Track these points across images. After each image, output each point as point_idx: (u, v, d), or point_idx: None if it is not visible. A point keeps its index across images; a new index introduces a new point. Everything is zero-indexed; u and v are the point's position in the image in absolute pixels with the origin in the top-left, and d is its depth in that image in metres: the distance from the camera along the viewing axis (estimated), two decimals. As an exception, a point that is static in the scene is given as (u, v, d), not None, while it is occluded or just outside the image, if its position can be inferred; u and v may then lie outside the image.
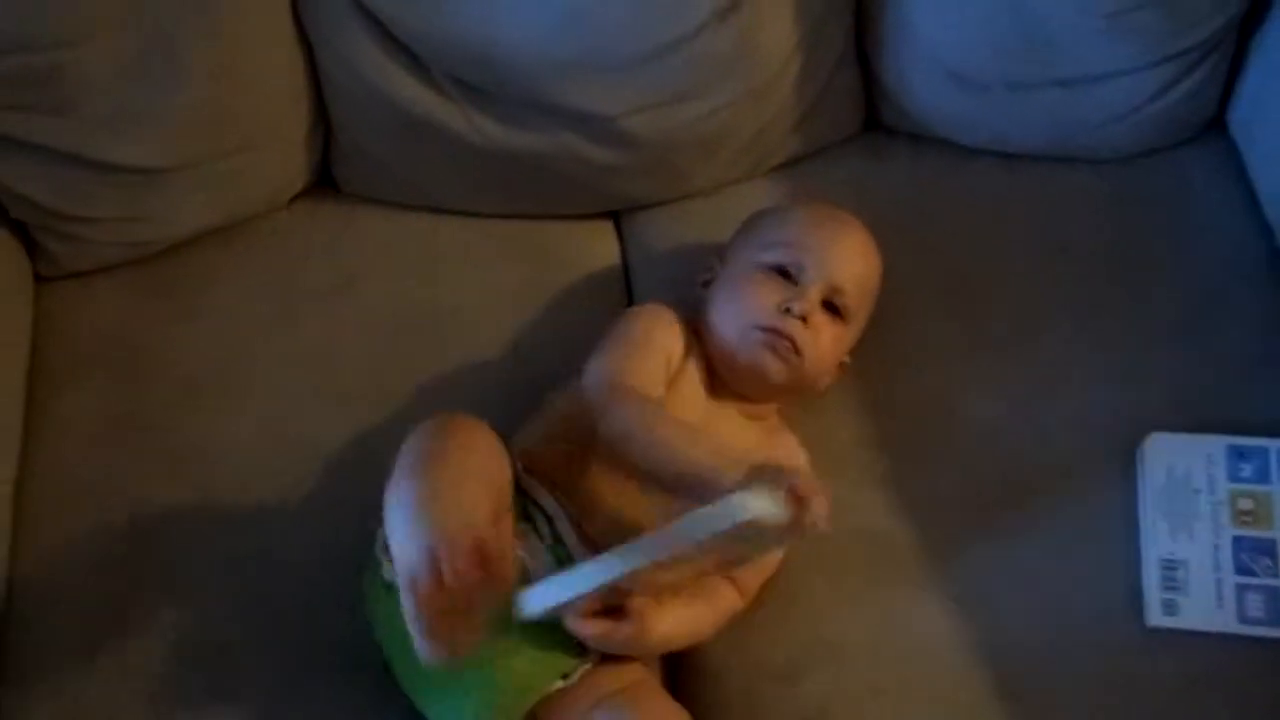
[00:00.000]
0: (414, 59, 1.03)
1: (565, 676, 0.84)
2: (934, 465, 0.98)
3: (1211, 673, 0.89)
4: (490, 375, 1.03)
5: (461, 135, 1.06)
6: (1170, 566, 0.91)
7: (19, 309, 1.04)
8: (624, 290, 1.10)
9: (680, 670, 0.92)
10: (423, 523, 0.71)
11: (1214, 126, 1.12)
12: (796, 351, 0.93)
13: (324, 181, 1.13)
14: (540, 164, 1.07)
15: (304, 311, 1.06)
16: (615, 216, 1.14)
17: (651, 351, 0.93)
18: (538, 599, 0.77)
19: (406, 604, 0.70)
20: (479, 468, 0.78)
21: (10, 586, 0.93)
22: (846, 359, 1.00)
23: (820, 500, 0.76)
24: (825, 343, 0.94)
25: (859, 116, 1.15)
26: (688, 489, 0.81)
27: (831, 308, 0.95)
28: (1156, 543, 0.92)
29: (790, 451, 0.96)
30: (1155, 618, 0.90)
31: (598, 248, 1.12)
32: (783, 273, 0.95)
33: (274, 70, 1.03)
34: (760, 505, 0.73)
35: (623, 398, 0.88)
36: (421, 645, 0.70)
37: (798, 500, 0.75)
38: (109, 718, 0.89)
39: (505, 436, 0.94)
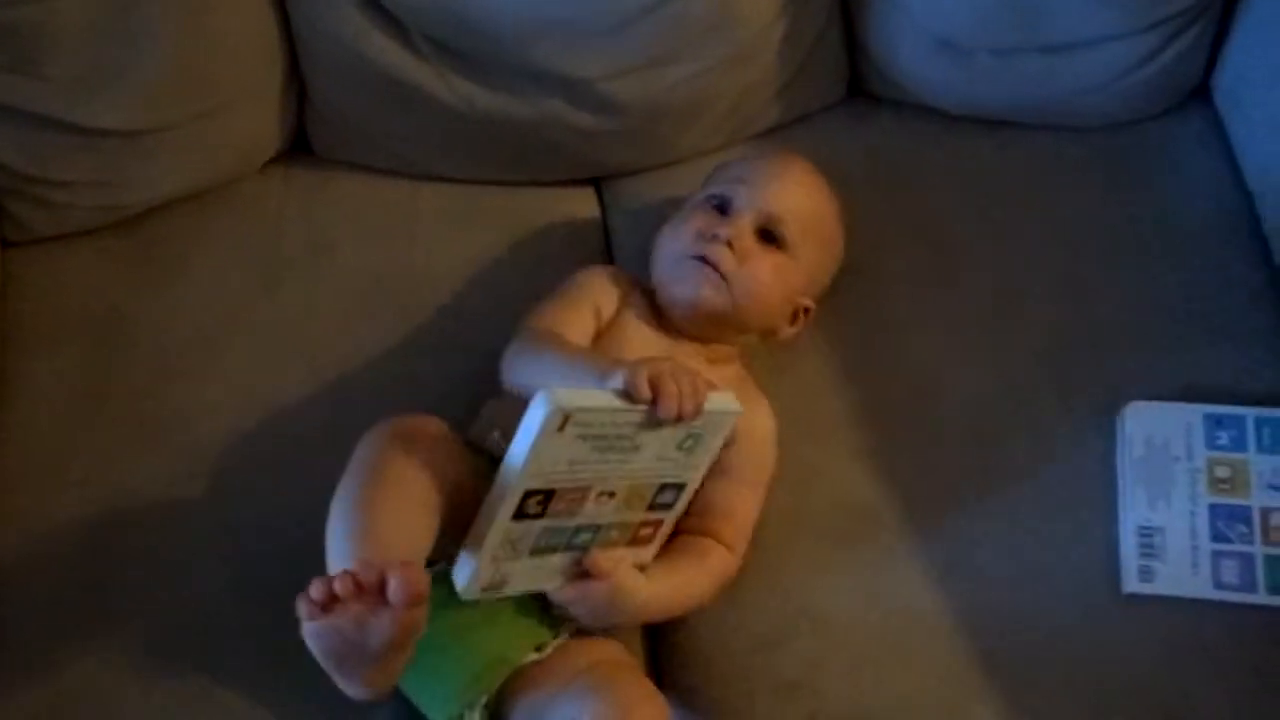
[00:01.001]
0: (391, 20, 1.01)
1: (539, 649, 0.84)
2: (915, 434, 0.99)
3: (1186, 638, 0.90)
4: (469, 342, 1.02)
5: (439, 99, 1.04)
6: (1147, 533, 0.92)
7: (-14, 275, 1.02)
8: (604, 257, 1.09)
9: (662, 641, 0.92)
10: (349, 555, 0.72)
11: (1199, 94, 1.12)
12: (722, 276, 0.92)
13: (299, 146, 1.11)
14: (520, 129, 1.06)
15: (281, 277, 1.05)
16: (596, 183, 1.13)
17: (573, 302, 0.94)
18: (461, 572, 0.78)
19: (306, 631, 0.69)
20: (417, 494, 0.78)
21: (-14, 559, 0.92)
22: (810, 303, 0.99)
23: (667, 382, 0.76)
24: (763, 271, 0.93)
25: (843, 83, 1.15)
26: None
27: (770, 237, 0.94)
28: (1134, 510, 0.93)
29: (754, 404, 0.94)
30: (1132, 584, 0.91)
31: (578, 214, 1.11)
32: (720, 208, 0.95)
33: (247, 31, 1.01)
34: (569, 395, 0.74)
35: (517, 336, 0.89)
36: (340, 684, 0.71)
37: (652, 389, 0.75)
38: (90, 692, 0.88)
39: (481, 405, 0.94)
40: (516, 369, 0.87)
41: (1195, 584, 0.91)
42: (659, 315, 0.96)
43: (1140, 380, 0.98)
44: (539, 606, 0.85)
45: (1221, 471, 0.94)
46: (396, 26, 1.02)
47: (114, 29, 0.94)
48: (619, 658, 0.86)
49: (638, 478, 0.81)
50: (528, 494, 0.76)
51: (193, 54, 0.98)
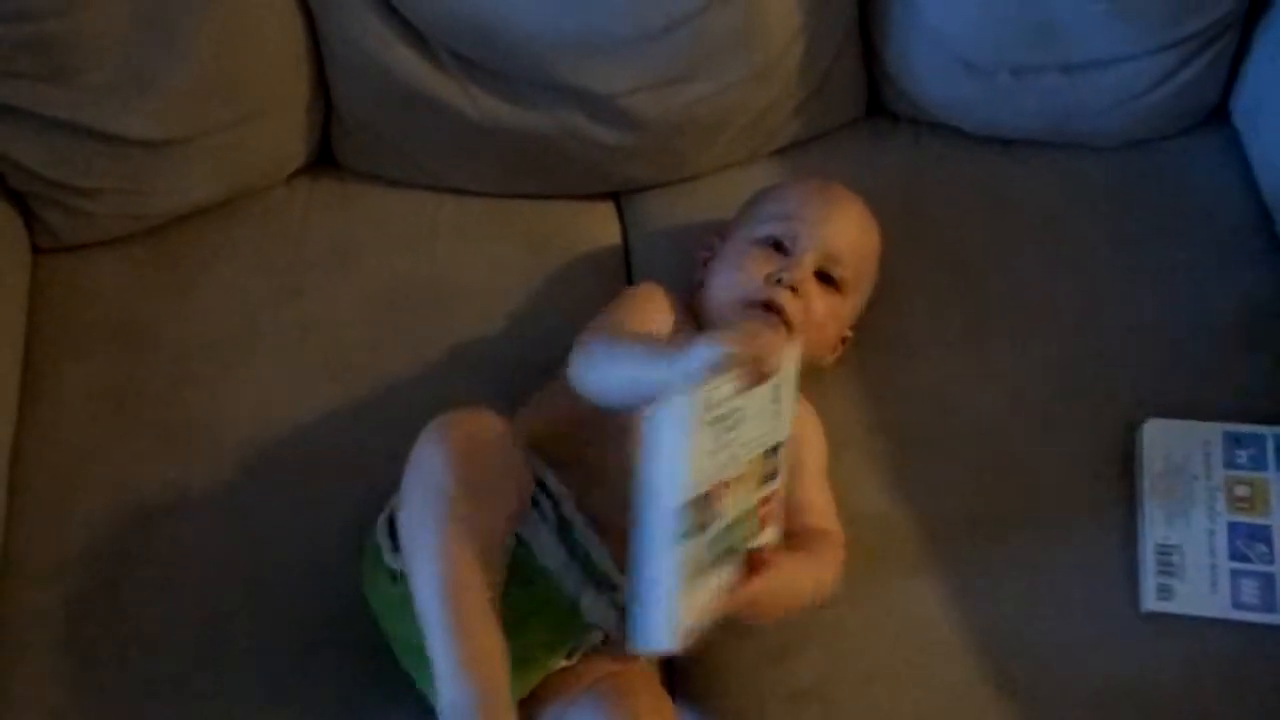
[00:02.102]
0: (416, 33, 1.03)
1: (570, 655, 0.84)
2: (933, 450, 0.98)
3: (1205, 657, 0.89)
4: (488, 353, 1.03)
5: (462, 112, 1.05)
6: (1166, 552, 0.92)
7: (15, 280, 1.04)
8: (623, 271, 1.10)
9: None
10: (456, 668, 0.75)
11: (1217, 115, 1.13)
12: (787, 324, 0.92)
13: (324, 158, 1.13)
14: (541, 143, 1.07)
15: (303, 287, 1.06)
16: (616, 197, 1.14)
17: (637, 311, 0.93)
18: (650, 634, 0.72)
19: None
20: (492, 522, 0.78)
21: (5, 559, 0.93)
22: (849, 334, 1.00)
23: (762, 340, 0.73)
24: (819, 313, 0.94)
25: (862, 101, 1.15)
26: (646, 394, 0.75)
27: (827, 279, 0.95)
28: (1153, 528, 0.93)
29: (804, 417, 0.94)
30: (1150, 602, 0.91)
31: (598, 228, 1.12)
32: (777, 246, 0.95)
33: (275, 42, 1.03)
34: (704, 358, 0.70)
35: (580, 341, 0.87)
36: None
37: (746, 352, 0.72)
38: (104, 692, 0.88)
39: (505, 415, 0.94)
40: (592, 367, 0.85)
41: (1214, 603, 0.90)
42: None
43: (1158, 398, 0.98)
44: (569, 611, 0.85)
45: (1241, 490, 0.94)
46: (420, 40, 1.03)
47: (146, 41, 0.95)
48: (635, 667, 0.86)
49: (752, 450, 0.76)
50: (701, 498, 0.72)
51: (222, 66, 1.00)
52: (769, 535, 0.81)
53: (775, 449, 0.79)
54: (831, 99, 1.13)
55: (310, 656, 0.90)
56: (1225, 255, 1.06)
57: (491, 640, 0.76)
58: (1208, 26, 1.04)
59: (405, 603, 0.79)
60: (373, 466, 0.93)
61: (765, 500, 0.79)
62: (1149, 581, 0.91)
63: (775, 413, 0.77)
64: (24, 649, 0.90)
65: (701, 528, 0.72)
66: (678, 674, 0.91)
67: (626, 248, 1.11)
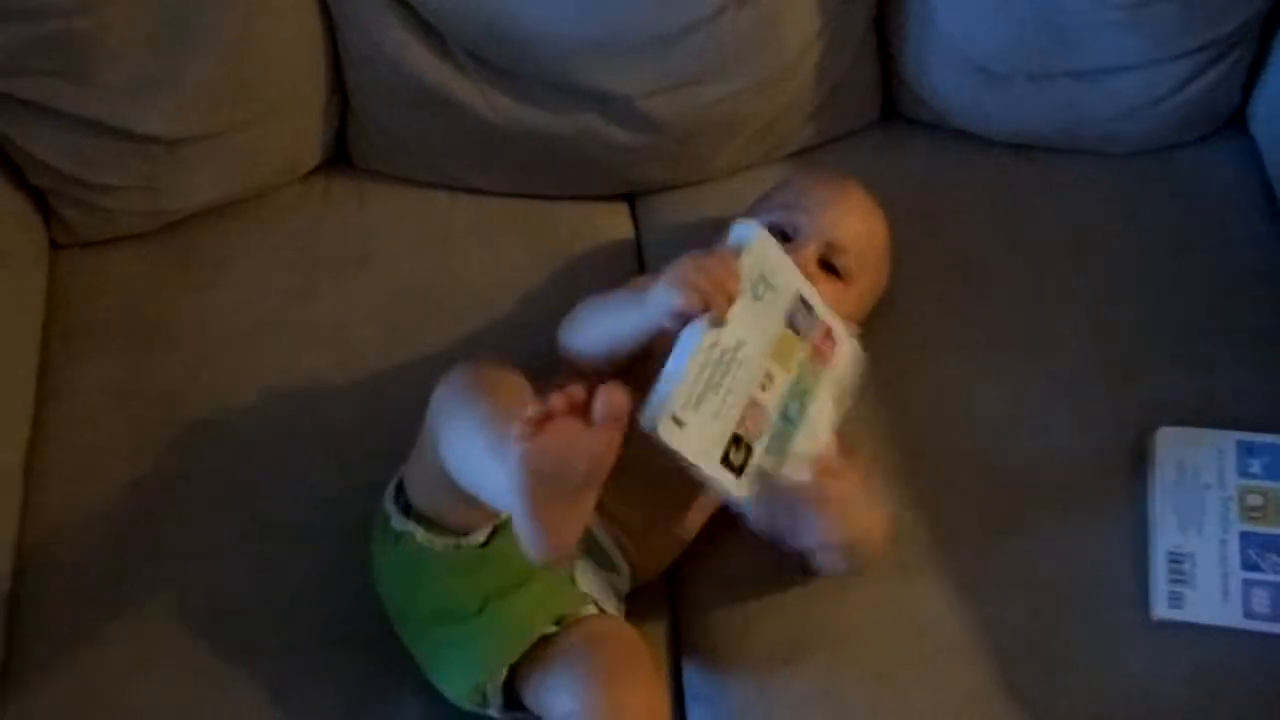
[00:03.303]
0: (434, 34, 1.03)
1: (559, 622, 0.84)
2: (943, 454, 0.98)
3: (1214, 666, 0.89)
4: (501, 352, 1.02)
5: (478, 112, 1.06)
6: (1177, 559, 0.91)
7: (33, 276, 1.05)
8: (637, 272, 1.10)
9: (685, 649, 0.92)
10: (503, 433, 0.71)
11: (1234, 122, 1.12)
12: None
13: (340, 157, 1.14)
14: (556, 144, 1.08)
15: (318, 285, 1.07)
16: (630, 198, 1.14)
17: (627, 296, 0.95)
18: (660, 404, 0.76)
19: (519, 499, 0.69)
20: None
21: (21, 554, 0.94)
22: (857, 329, 0.99)
23: (698, 281, 0.78)
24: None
25: (877, 105, 1.16)
26: (636, 336, 0.83)
27: (830, 268, 0.95)
28: (1164, 535, 0.92)
29: None
30: (1161, 610, 0.90)
31: (612, 229, 1.12)
32: (781, 235, 0.95)
33: (293, 41, 1.04)
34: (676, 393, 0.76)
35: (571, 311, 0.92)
36: (531, 534, 0.70)
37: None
38: (118, 687, 0.89)
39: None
40: (575, 328, 0.91)
41: (1225, 612, 0.90)
42: None
43: (1171, 405, 0.98)
44: (565, 579, 0.85)
45: (1254, 500, 0.93)
46: (438, 40, 1.04)
47: (165, 39, 0.96)
48: (625, 631, 0.86)
49: (763, 343, 0.82)
50: (728, 448, 0.79)
51: (240, 64, 1.00)
52: (834, 375, 0.87)
53: (799, 303, 0.85)
54: (847, 103, 1.13)
55: (320, 648, 0.90)
56: (1241, 263, 1.06)
57: None
58: (1224, 35, 1.03)
59: (407, 565, 0.80)
60: (384, 464, 0.94)
61: (824, 335, 0.87)
62: (1160, 589, 0.91)
63: (767, 290, 0.82)
64: (37, 638, 0.91)
65: (744, 463, 0.80)
66: (685, 673, 0.91)
67: (640, 249, 1.12)
